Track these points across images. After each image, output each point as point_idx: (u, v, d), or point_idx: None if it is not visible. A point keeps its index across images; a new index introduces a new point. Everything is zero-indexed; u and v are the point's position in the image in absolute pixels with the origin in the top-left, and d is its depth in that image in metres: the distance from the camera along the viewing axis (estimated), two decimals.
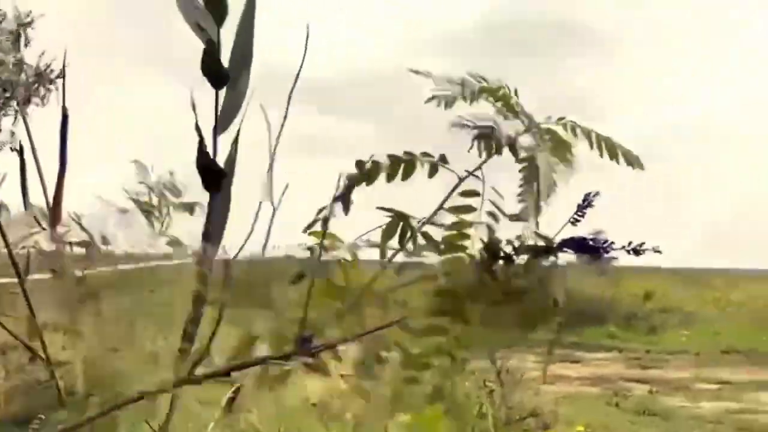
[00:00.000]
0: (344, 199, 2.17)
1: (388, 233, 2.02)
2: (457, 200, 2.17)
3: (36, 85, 16.45)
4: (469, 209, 2.15)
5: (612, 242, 3.01)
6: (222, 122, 2.27)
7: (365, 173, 1.98)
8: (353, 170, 2.14)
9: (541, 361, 17.25)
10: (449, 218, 2.22)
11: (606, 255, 2.87)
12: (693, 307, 22.57)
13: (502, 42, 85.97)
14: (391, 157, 1.97)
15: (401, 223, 2.01)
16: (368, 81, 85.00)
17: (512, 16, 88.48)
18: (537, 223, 2.50)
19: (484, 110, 2.18)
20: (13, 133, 16.37)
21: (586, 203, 2.82)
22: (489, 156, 2.09)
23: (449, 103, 2.10)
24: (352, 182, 2.13)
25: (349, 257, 2.08)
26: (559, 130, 2.12)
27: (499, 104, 2.07)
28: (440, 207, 2.17)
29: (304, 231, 2.12)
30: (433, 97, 2.07)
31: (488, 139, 2.08)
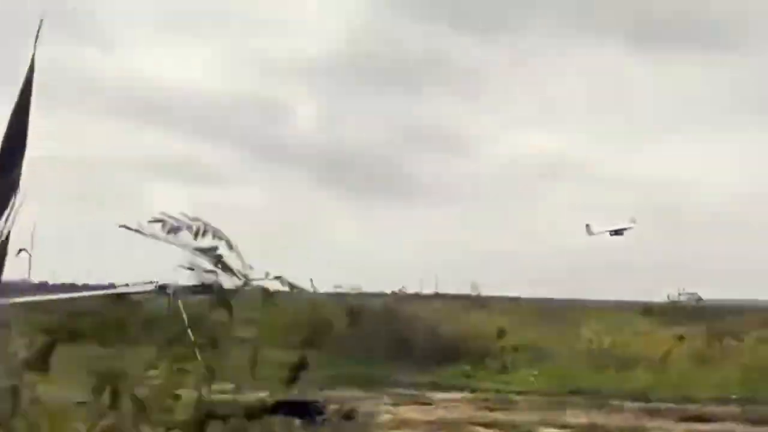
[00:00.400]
0: (43, 360, 2.01)
1: (96, 391, 1.86)
2: None
3: None
4: (183, 372, 2.03)
5: (325, 405, 3.02)
6: None
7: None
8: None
9: (398, 403, 17.27)
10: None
11: (318, 417, 2.85)
12: (545, 343, 23.15)
13: (367, 71, 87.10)
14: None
15: (112, 384, 1.85)
16: (230, 105, 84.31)
17: (376, 46, 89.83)
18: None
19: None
20: None
21: (301, 368, 2.79)
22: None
23: (174, 231, 2.00)
24: (51, 344, 1.97)
25: None
26: (273, 285, 2.11)
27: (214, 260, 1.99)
28: (157, 366, 2.04)
29: None
30: (157, 220, 1.97)
31: (209, 291, 2.01)
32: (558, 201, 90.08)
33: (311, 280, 30.54)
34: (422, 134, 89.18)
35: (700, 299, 37.11)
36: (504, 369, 20.17)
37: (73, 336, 15.81)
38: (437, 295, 64.01)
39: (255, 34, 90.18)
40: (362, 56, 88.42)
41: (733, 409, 15.80)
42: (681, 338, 23.35)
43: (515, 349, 21.99)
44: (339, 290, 36.74)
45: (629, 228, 32.25)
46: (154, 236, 2.00)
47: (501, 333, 23.82)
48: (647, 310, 38.38)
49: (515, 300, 54.98)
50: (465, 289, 41.83)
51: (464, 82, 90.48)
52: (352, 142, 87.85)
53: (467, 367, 20.31)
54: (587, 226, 31.76)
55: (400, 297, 40.80)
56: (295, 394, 15.26)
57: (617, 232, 30.93)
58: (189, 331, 1.94)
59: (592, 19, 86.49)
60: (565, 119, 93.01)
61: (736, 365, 19.41)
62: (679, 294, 37.90)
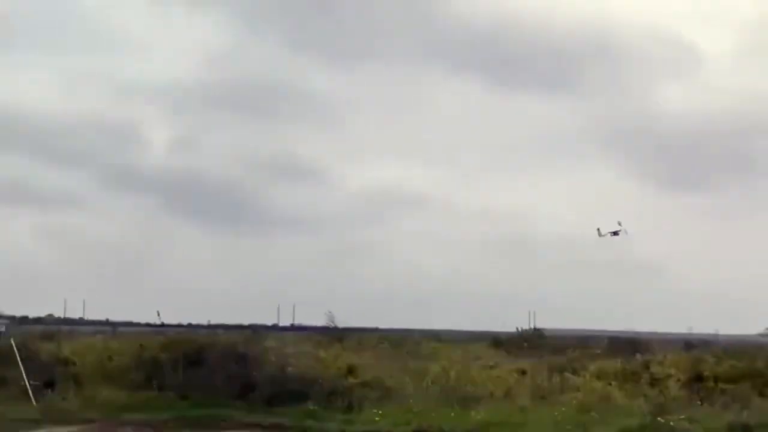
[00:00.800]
0: None
1: None
2: None
3: None
4: None
5: None
6: None
7: None
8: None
9: None
10: None
11: None
12: (395, 379, 23.16)
13: (223, 97, 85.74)
14: None
15: None
16: (77, 127, 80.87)
17: (234, 72, 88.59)
18: None
19: None
20: None
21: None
22: None
23: None
24: None
25: None
26: None
27: None
28: None
29: None
30: None
31: None
32: (412, 231, 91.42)
33: (158, 312, 29.59)
34: (279, 163, 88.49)
35: (542, 335, 38.54)
36: (350, 408, 20.01)
37: None
38: (294, 327, 63.65)
39: (106, 54, 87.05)
40: (219, 82, 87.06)
41: None
42: (523, 372, 23.97)
43: (364, 385, 21.90)
44: (188, 323, 35.78)
45: (621, 229, 37.19)
46: None
47: (351, 369, 23.72)
48: (496, 341, 39.48)
49: (372, 331, 55.32)
50: (322, 321, 41.65)
51: (321, 111, 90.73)
52: (207, 170, 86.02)
53: (313, 407, 20.04)
54: (598, 229, 36.63)
55: (253, 330, 40.18)
56: None
57: (615, 233, 35.95)
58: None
59: (447, 54, 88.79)
60: (419, 151, 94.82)
61: (573, 400, 20.00)
62: (525, 329, 39.26)
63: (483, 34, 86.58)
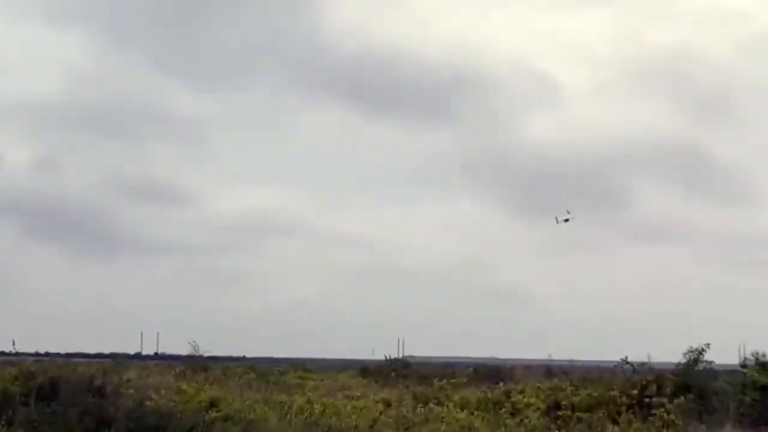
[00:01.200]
0: None
1: None
2: None
3: None
4: None
5: None
6: None
7: None
8: None
9: None
10: None
11: None
12: (257, 414, 22.69)
13: (85, 118, 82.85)
14: None
15: None
16: None
17: (96, 93, 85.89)
18: None
19: None
20: None
21: None
22: None
23: None
24: None
25: None
26: None
27: None
28: None
29: None
30: None
31: None
32: (281, 258, 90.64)
33: (13, 342, 28.02)
34: (143, 186, 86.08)
35: (407, 364, 38.96)
36: None
37: None
38: (157, 356, 61.81)
39: None
40: (82, 102, 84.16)
41: None
42: (389, 404, 24.03)
43: (225, 419, 21.37)
44: (46, 352, 34.27)
45: (570, 217, 41.28)
46: None
47: (213, 402, 23.14)
48: (364, 370, 39.56)
49: (239, 360, 54.32)
50: (187, 350, 40.75)
51: (187, 134, 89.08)
52: (67, 192, 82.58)
53: None
54: (556, 218, 40.54)
55: (114, 360, 38.74)
56: None
57: (566, 220, 40.40)
58: None
59: (315, 81, 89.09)
60: (287, 178, 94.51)
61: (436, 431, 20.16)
62: (393, 357, 39.58)
63: (350, 61, 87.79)
